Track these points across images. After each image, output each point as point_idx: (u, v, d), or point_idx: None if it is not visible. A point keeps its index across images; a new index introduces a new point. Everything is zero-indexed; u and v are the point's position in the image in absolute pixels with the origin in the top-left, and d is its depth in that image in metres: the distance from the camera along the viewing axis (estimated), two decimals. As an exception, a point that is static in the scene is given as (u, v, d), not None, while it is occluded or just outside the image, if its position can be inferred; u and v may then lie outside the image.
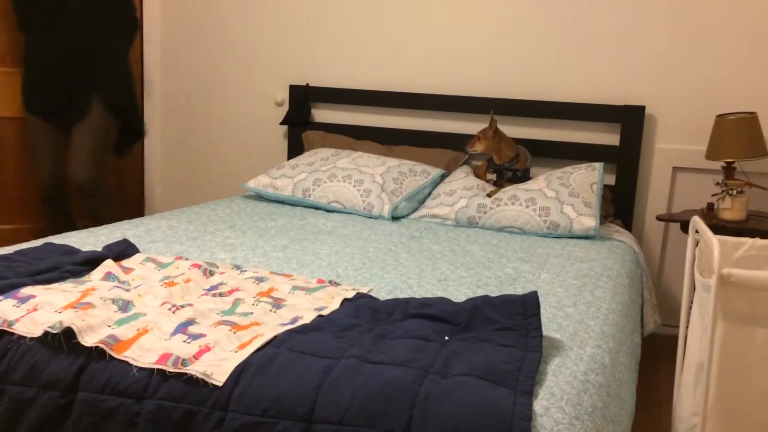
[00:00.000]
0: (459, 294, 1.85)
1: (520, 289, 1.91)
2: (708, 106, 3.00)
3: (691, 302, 2.02)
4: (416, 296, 1.80)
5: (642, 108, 3.02)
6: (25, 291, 1.51)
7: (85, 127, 3.15)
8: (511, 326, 1.47)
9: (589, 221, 2.60)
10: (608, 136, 3.14)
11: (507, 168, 2.93)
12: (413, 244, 2.39)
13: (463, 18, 3.29)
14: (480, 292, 1.87)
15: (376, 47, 3.45)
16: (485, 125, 2.96)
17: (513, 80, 3.26)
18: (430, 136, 3.36)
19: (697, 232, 1.97)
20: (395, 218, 2.83)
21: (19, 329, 1.37)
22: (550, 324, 1.63)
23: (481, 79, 3.30)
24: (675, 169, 3.06)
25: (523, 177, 2.94)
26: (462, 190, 2.86)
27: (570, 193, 2.71)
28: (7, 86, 3.32)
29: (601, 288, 1.99)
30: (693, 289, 1.95)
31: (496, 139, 2.90)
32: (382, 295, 1.80)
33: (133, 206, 3.89)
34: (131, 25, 3.28)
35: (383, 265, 2.09)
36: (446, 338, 1.44)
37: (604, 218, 2.93)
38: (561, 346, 1.48)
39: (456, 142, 3.30)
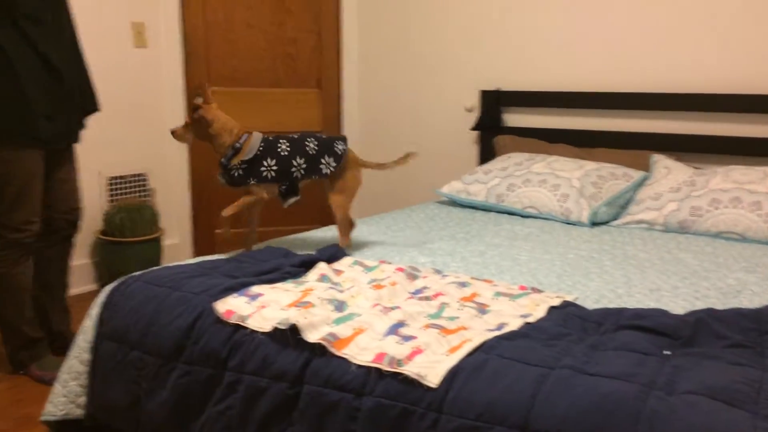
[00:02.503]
0: (675, 306, 1.72)
1: (746, 303, 1.74)
2: None
3: None
4: (626, 306, 1.70)
5: None
6: (254, 289, 1.66)
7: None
8: (743, 343, 1.34)
9: (825, 228, 2.30)
10: None
11: (227, 166, 2.07)
12: (617, 252, 2.27)
13: (664, 11, 3.08)
14: (699, 305, 1.73)
15: (568, 46, 3.34)
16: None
17: (716, 73, 2.98)
18: (630, 137, 3.18)
19: None
20: (595, 224, 2.71)
21: (252, 324, 1.51)
22: (788, 342, 1.46)
23: (683, 73, 3.06)
24: None
25: (246, 175, 2.05)
26: (669, 193, 2.67)
27: (802, 197, 2.41)
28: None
29: None
30: None
31: (203, 123, 2.06)
32: (589, 303, 1.73)
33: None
34: None
35: (586, 273, 2.01)
36: (666, 353, 1.35)
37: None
38: (804, 368, 1.32)
39: (659, 143, 3.09)
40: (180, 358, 1.56)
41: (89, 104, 2.58)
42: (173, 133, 2.12)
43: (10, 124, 2.29)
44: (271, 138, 2.12)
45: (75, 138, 2.55)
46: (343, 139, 2.17)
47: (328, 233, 2.50)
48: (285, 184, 2.12)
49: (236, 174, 2.05)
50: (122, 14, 3.45)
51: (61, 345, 2.64)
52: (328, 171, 2.11)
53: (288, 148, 2.09)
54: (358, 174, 2.20)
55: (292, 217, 3.97)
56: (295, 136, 2.14)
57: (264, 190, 2.11)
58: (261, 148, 2.07)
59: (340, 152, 2.13)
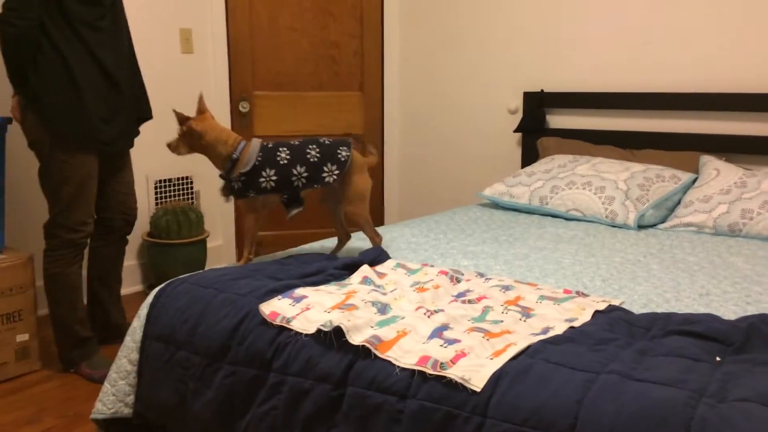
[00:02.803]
0: (725, 311, 1.68)
1: (802, 308, 1.68)
2: None
3: None
4: (675, 311, 1.67)
5: None
6: (299, 291, 1.68)
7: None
8: (799, 350, 1.30)
9: None
10: None
11: (225, 177, 1.99)
12: (665, 255, 2.22)
13: (710, 9, 3.00)
14: (751, 310, 1.68)
15: (613, 47, 3.28)
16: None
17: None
18: (678, 138, 3.11)
19: None
20: (641, 227, 2.66)
21: (296, 326, 1.52)
22: None
23: (733, 72, 2.98)
24: None
25: (245, 188, 1.95)
26: (719, 195, 2.60)
27: None
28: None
29: None
30: None
31: (194, 135, 1.96)
32: (636, 308, 1.70)
33: (374, 214, 4.14)
34: None
35: (633, 277, 1.97)
36: (717, 359, 1.31)
37: None
38: None
39: (708, 144, 3.01)
40: (225, 358, 1.58)
41: (143, 111, 2.66)
42: (168, 145, 2.01)
43: (68, 126, 2.37)
44: (270, 145, 1.99)
45: (130, 143, 2.63)
46: (347, 144, 2.02)
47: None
48: (287, 194, 2.00)
49: (236, 186, 1.96)
50: (170, 21, 3.53)
51: (118, 336, 2.76)
52: (331, 179, 1.98)
53: (288, 157, 1.96)
54: (366, 176, 2.07)
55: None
56: (297, 143, 2.01)
57: (258, 204, 2.01)
58: (259, 158, 1.95)
59: (343, 159, 1.98)
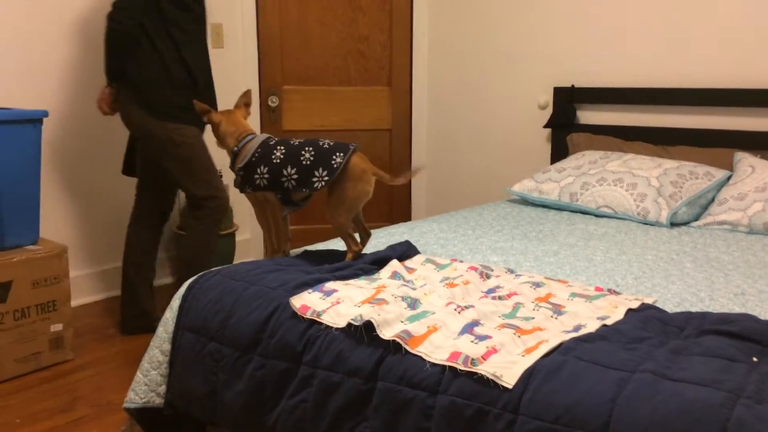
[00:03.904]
0: (762, 311, 1.65)
1: (842, 310, 1.64)
2: None
3: None
4: (709, 310, 1.64)
5: None
6: (329, 285, 1.68)
7: None
8: (840, 352, 1.27)
9: None
10: None
11: (232, 169, 2.04)
12: (698, 254, 2.19)
13: (745, 2, 2.93)
14: (789, 310, 1.65)
15: (645, 42, 3.23)
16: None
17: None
18: (712, 134, 3.05)
19: None
20: (674, 225, 2.62)
21: (326, 320, 1.53)
22: None
23: (778, 68, 2.91)
24: None
25: (243, 182, 1.98)
26: (754, 193, 2.55)
27: None
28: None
29: None
30: None
31: (212, 125, 2.06)
32: (670, 307, 1.68)
33: (402, 210, 4.14)
34: None
35: (666, 275, 1.95)
36: (754, 359, 1.29)
37: None
38: None
39: (743, 140, 2.96)
40: (256, 350, 1.60)
41: (214, 108, 2.83)
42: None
43: (169, 117, 2.63)
44: (273, 142, 1.98)
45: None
46: (346, 150, 1.90)
47: (396, 233, 2.51)
48: (280, 193, 1.97)
49: (238, 180, 2.00)
50: (200, 16, 3.55)
51: (149, 326, 2.83)
52: (320, 185, 1.87)
53: (281, 156, 1.92)
54: (362, 185, 1.91)
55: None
56: (297, 142, 1.96)
57: (260, 198, 2.01)
58: (256, 155, 1.95)
59: (335, 165, 1.87)
